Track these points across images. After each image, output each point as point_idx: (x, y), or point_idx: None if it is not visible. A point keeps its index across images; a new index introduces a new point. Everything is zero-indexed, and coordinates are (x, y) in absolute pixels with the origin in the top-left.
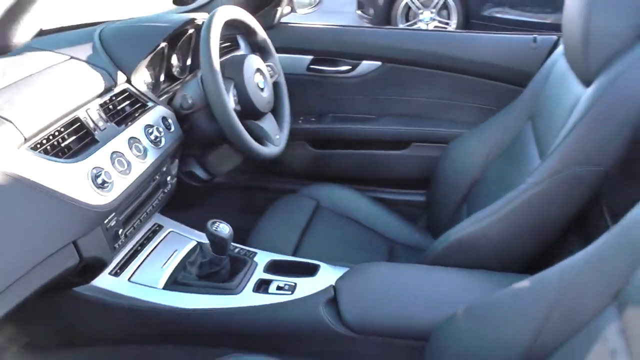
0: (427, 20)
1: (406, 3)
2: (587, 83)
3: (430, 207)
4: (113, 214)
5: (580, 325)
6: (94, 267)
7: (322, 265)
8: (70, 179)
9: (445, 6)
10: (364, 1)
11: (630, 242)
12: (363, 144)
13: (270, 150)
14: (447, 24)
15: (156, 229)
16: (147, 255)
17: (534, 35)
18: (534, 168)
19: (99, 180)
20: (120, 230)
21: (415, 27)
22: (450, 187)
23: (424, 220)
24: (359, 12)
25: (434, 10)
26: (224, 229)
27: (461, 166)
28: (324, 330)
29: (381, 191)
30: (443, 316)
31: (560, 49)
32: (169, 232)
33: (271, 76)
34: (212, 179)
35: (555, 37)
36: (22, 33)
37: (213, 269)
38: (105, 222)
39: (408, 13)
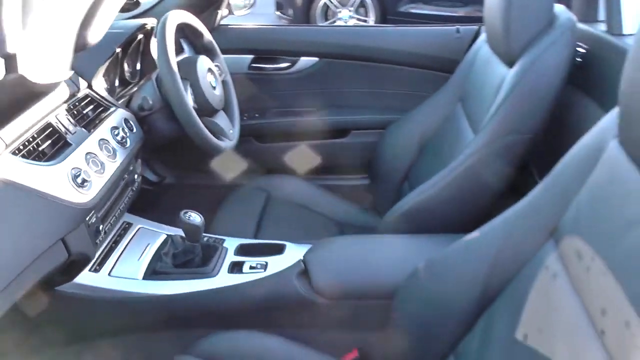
0: (345, 18)
1: (324, 2)
2: (510, 64)
3: (374, 189)
4: (93, 212)
5: (525, 260)
6: (78, 263)
7: (288, 244)
8: (53, 180)
9: (362, 4)
10: (283, 2)
11: (560, 187)
12: (306, 135)
13: (226, 144)
14: (365, 21)
15: (126, 227)
16: (122, 251)
17: (457, 27)
18: (468, 142)
19: (79, 180)
20: (101, 227)
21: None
22: (390, 168)
23: (370, 202)
24: (277, 12)
25: (351, 9)
26: (195, 218)
27: (399, 149)
28: (299, 300)
29: (327, 178)
30: (405, 274)
31: (482, 37)
32: (138, 228)
33: (219, 75)
34: (161, 181)
35: (476, 27)
36: (96, 33)
37: (187, 256)
38: (87, 219)
39: (327, 12)
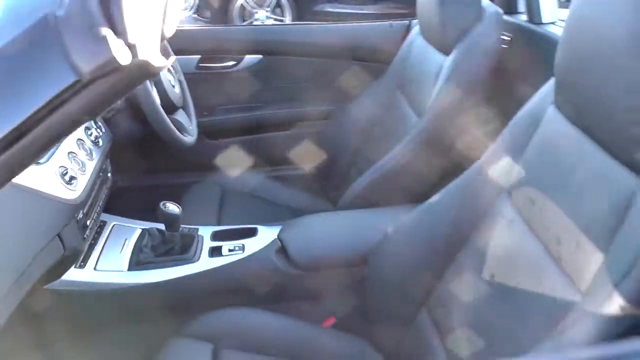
0: (262, 19)
1: (241, 4)
2: (447, 53)
3: (323, 176)
4: (80, 208)
5: (483, 214)
6: (69, 259)
7: (259, 227)
8: (44, 179)
9: (278, 4)
10: (200, 4)
11: (508, 148)
12: (254, 130)
13: (188, 139)
14: (282, 20)
15: (101, 224)
16: (103, 247)
17: (390, 22)
18: (413, 124)
19: (67, 177)
20: (88, 222)
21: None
22: (337, 155)
23: (319, 188)
24: (194, 15)
25: (268, 9)
26: (174, 208)
27: (345, 136)
28: (279, 275)
29: (277, 169)
30: (375, 241)
31: (415, 30)
32: (113, 225)
33: (176, 74)
34: (115, 183)
35: (407, 22)
36: (172, 26)
37: (167, 246)
38: (76, 214)
39: (244, 13)
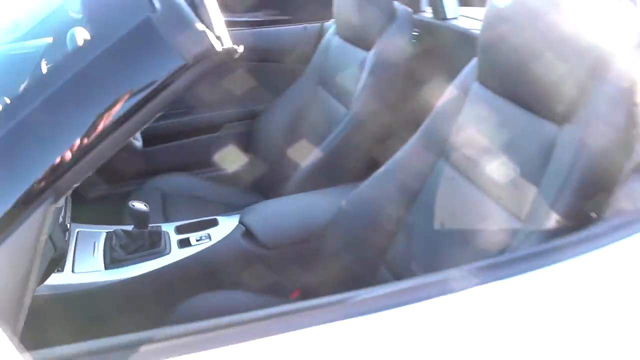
0: None
1: None
2: (368, 48)
3: (255, 172)
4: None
5: (426, 176)
6: (55, 261)
7: (218, 217)
8: None
9: None
10: None
11: (442, 119)
12: (185, 134)
13: (138, 144)
14: None
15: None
16: (74, 252)
17: (304, 25)
18: (341, 115)
19: None
20: (68, 225)
21: None
22: (268, 151)
23: (252, 183)
24: None
25: None
26: (141, 206)
27: (273, 132)
28: (248, 256)
29: (209, 171)
30: (331, 215)
31: (331, 30)
32: (77, 232)
33: None
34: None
35: (319, 25)
36: None
37: (137, 243)
38: (59, 216)
39: None
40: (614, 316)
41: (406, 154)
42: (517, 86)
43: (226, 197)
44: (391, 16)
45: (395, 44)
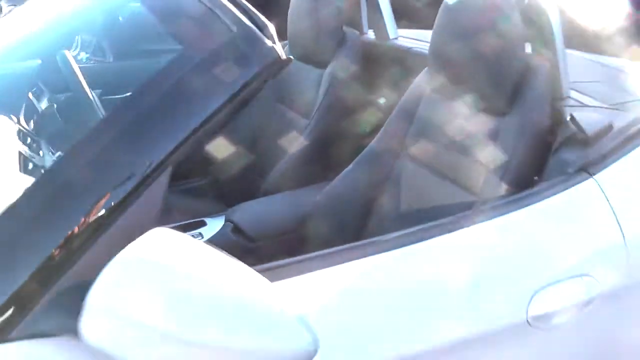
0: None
1: None
2: (324, 67)
3: (218, 185)
4: None
5: (390, 169)
6: None
7: (205, 219)
8: None
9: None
10: None
11: (402, 119)
12: None
13: None
14: None
15: None
16: None
17: None
18: (305, 125)
19: None
20: None
21: None
22: (230, 164)
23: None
24: None
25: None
26: None
27: (235, 147)
28: (239, 249)
29: (177, 185)
30: (309, 208)
31: (285, 50)
32: None
33: None
34: None
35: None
36: None
37: None
38: None
39: None
40: (558, 247)
41: (374, 150)
42: (467, 84)
43: (191, 208)
44: (342, 39)
45: (347, 61)
